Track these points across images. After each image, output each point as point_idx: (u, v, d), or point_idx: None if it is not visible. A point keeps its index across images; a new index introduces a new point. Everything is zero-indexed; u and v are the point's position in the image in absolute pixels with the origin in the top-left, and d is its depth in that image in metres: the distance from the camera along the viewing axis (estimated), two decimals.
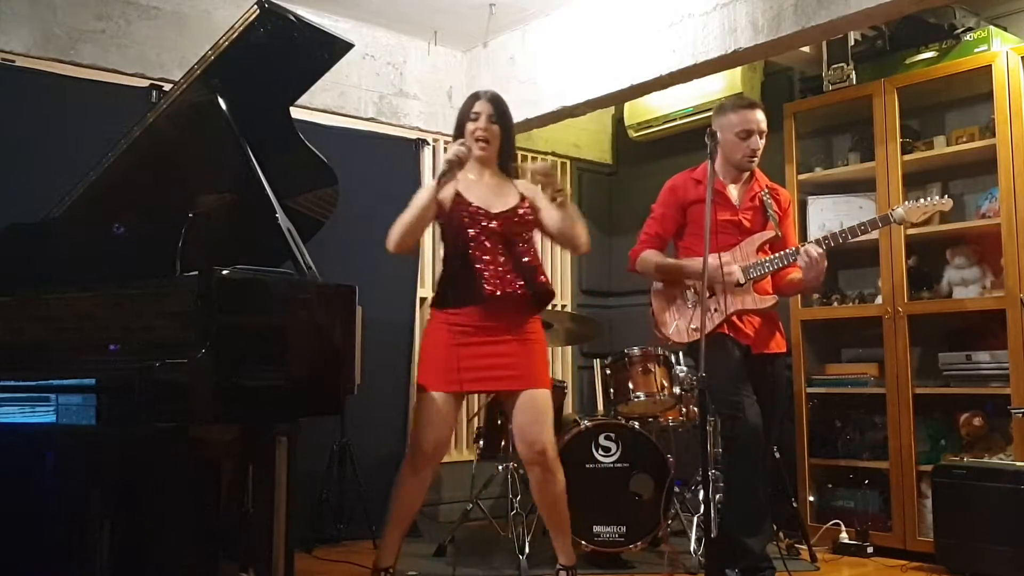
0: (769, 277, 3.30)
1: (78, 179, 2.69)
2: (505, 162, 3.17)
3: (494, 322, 3.00)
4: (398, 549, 3.10)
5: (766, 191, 3.35)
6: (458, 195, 3.04)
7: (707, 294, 3.18)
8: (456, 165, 2.96)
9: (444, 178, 2.95)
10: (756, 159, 3.29)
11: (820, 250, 3.13)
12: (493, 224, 3.02)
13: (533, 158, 5.34)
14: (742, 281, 3.24)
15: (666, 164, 4.91)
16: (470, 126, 3.07)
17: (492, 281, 2.96)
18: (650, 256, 3.39)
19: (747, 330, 3.26)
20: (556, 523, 3.13)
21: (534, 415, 3.03)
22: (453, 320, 3.02)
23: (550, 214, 3.06)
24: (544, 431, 3.04)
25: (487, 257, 2.99)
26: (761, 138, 3.27)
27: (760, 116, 3.27)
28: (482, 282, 2.96)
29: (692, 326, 3.26)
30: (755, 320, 3.28)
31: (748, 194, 3.34)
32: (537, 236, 3.22)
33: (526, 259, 3.05)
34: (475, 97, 3.12)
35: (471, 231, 3.01)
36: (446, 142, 4.98)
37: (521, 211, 3.08)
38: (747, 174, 3.35)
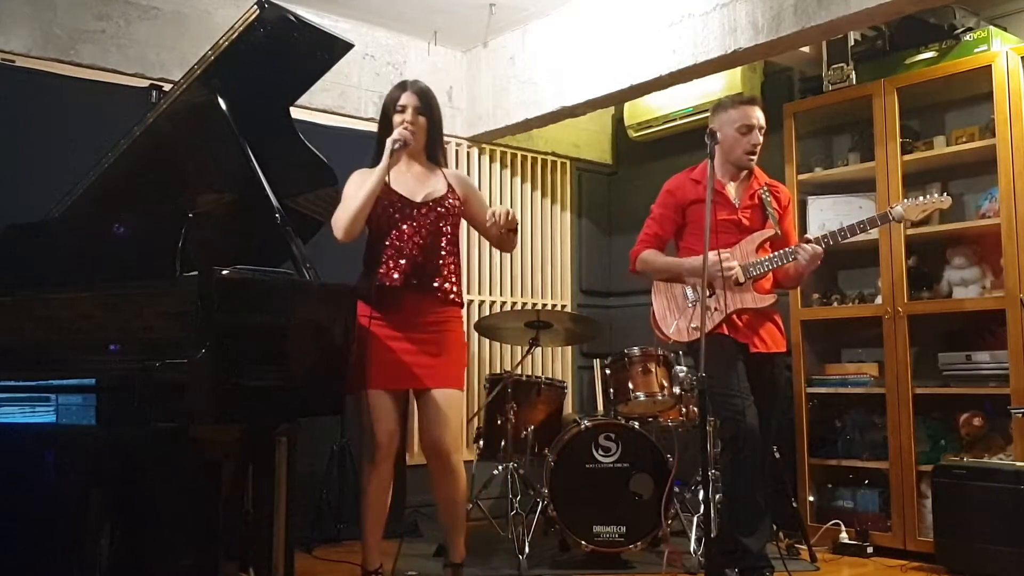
0: (769, 275, 3.30)
1: (78, 179, 2.69)
2: (433, 152, 3.12)
3: (409, 314, 2.96)
4: (379, 548, 3.06)
5: (765, 189, 3.35)
6: (384, 184, 2.99)
7: (707, 293, 3.18)
8: (403, 147, 2.93)
9: (391, 159, 2.91)
10: (755, 155, 3.29)
11: (820, 249, 3.16)
12: (415, 213, 2.99)
13: (533, 159, 5.35)
14: (742, 279, 3.24)
15: (666, 164, 4.91)
16: (396, 118, 3.01)
17: (392, 270, 2.93)
18: (650, 256, 3.39)
19: (746, 329, 3.26)
20: (451, 517, 3.10)
21: (438, 414, 2.99)
22: (374, 312, 2.96)
23: (495, 232, 3.01)
24: (447, 432, 3.01)
25: (399, 247, 2.95)
26: (761, 134, 3.27)
27: (760, 112, 3.27)
28: (389, 272, 2.93)
29: (692, 325, 3.26)
30: (755, 319, 3.28)
31: (747, 192, 3.34)
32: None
33: (442, 254, 3.02)
34: (401, 88, 3.05)
35: (392, 219, 2.97)
36: (445, 142, 4.98)
37: (447, 202, 3.04)
38: (745, 172, 3.35)
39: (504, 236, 3.03)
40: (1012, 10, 3.98)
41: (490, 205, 3.13)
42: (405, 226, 2.97)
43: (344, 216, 2.91)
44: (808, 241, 3.21)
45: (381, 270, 2.95)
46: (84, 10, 3.83)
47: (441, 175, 3.11)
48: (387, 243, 2.96)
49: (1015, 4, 3.98)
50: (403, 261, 2.95)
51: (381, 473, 3.00)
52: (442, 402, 3.00)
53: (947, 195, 3.25)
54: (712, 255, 3.09)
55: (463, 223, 3.19)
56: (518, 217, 5.14)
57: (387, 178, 2.95)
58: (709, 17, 3.86)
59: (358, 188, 2.94)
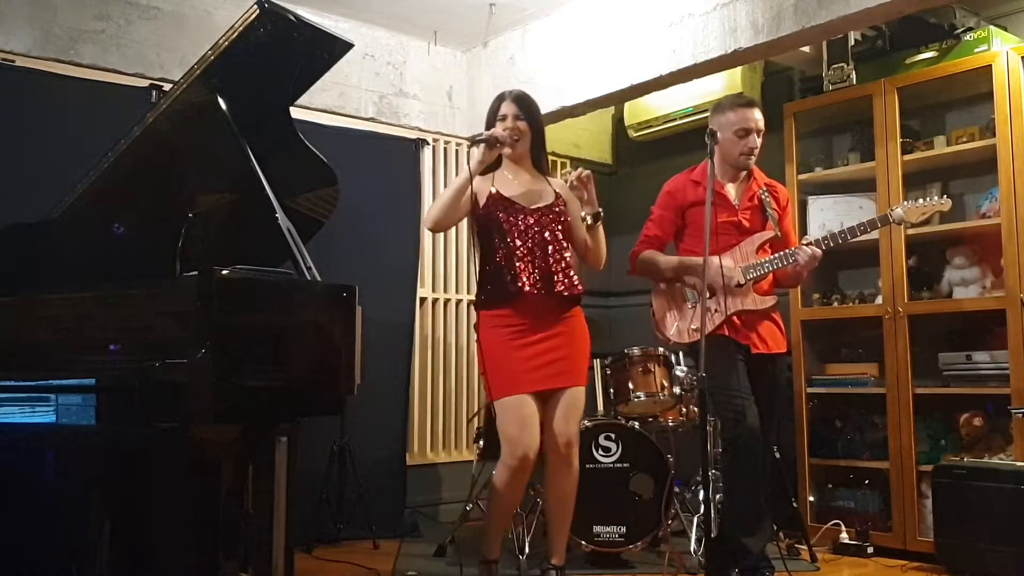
0: (770, 277, 3.30)
1: (78, 179, 2.69)
2: (538, 159, 3.19)
3: (537, 319, 3.01)
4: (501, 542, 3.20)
5: (764, 189, 3.35)
6: (498, 193, 3.06)
7: (707, 294, 3.18)
8: (494, 143, 2.99)
9: (484, 153, 2.97)
10: (754, 157, 3.29)
11: (819, 250, 3.15)
12: (531, 220, 3.05)
13: None
14: (742, 282, 3.24)
15: (666, 164, 4.91)
16: (499, 125, 3.08)
17: (529, 278, 2.99)
18: (649, 255, 3.39)
19: (747, 331, 3.26)
20: (562, 518, 3.14)
21: (567, 411, 3.04)
22: (501, 320, 3.02)
23: (577, 223, 3.14)
24: (575, 428, 3.08)
25: (524, 253, 3.02)
26: (759, 136, 3.27)
27: (758, 115, 3.27)
28: (520, 279, 2.98)
29: (692, 327, 3.26)
30: (755, 320, 3.28)
31: (747, 194, 3.34)
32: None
33: (561, 257, 3.07)
34: (500, 99, 3.13)
35: (508, 227, 3.03)
36: (446, 142, 5.00)
37: (557, 208, 3.11)
38: (745, 173, 3.35)
39: (591, 237, 3.13)
40: (1012, 10, 3.99)
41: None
42: (524, 233, 3.03)
43: (434, 208, 3.05)
44: (809, 244, 3.20)
45: (513, 279, 2.99)
46: (84, 10, 3.83)
47: (547, 183, 3.18)
48: (509, 251, 3.01)
49: (1015, 4, 3.98)
50: (530, 267, 3.00)
51: (522, 481, 3.03)
52: (575, 399, 3.06)
53: (947, 197, 3.25)
54: (714, 261, 3.10)
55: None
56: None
57: (496, 188, 3.05)
58: (709, 17, 3.86)
59: (451, 183, 3.03)
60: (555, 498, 3.14)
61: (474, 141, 3.01)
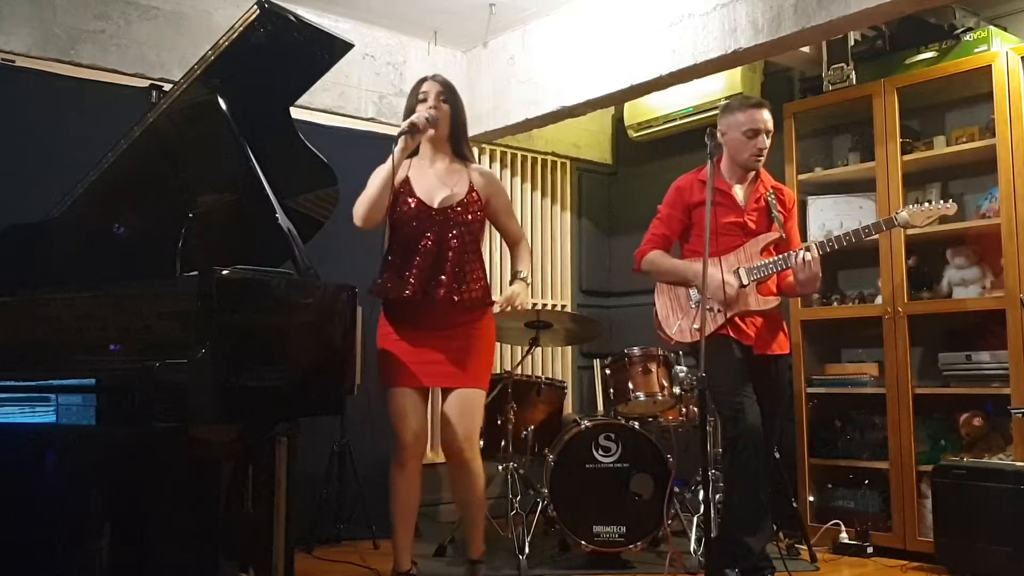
0: (774, 278, 3.30)
1: (78, 179, 2.68)
2: (458, 145, 3.11)
3: (430, 317, 2.98)
4: (412, 548, 3.11)
5: (771, 192, 3.35)
6: (406, 181, 3.01)
7: (709, 295, 3.18)
8: (415, 131, 2.93)
9: (404, 144, 2.92)
10: (762, 158, 3.29)
11: (812, 255, 3.13)
12: (437, 219, 2.99)
13: (534, 159, 5.34)
14: (745, 283, 3.24)
15: (666, 164, 4.92)
16: (420, 107, 3.02)
17: (418, 284, 2.94)
18: (656, 257, 3.38)
19: (749, 331, 3.26)
20: (470, 517, 3.13)
21: (459, 413, 3.00)
22: (395, 311, 3.01)
23: (513, 233, 3.23)
24: (467, 429, 3.01)
25: (419, 255, 2.95)
26: (768, 137, 3.27)
27: (767, 116, 3.27)
28: (408, 282, 2.94)
29: (695, 326, 3.25)
30: (758, 321, 3.28)
31: (753, 195, 3.33)
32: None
33: (460, 260, 3.00)
34: (422, 80, 3.08)
35: (410, 226, 2.98)
36: None
37: (466, 202, 3.03)
38: (752, 175, 3.35)
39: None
40: (1012, 10, 3.98)
41: None
42: (425, 233, 2.98)
43: (362, 203, 2.97)
44: (807, 248, 3.18)
45: (407, 278, 2.95)
46: (84, 10, 3.83)
47: (465, 174, 3.09)
48: (406, 250, 2.98)
49: (1015, 4, 3.98)
50: (421, 271, 2.95)
51: (408, 473, 3.01)
52: (466, 401, 3.02)
53: (952, 201, 3.24)
54: (715, 273, 3.09)
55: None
56: (518, 216, 5.16)
57: (409, 176, 2.99)
58: (709, 17, 3.86)
59: (377, 175, 2.98)
60: (458, 500, 3.15)
61: (399, 135, 2.93)
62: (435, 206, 3.00)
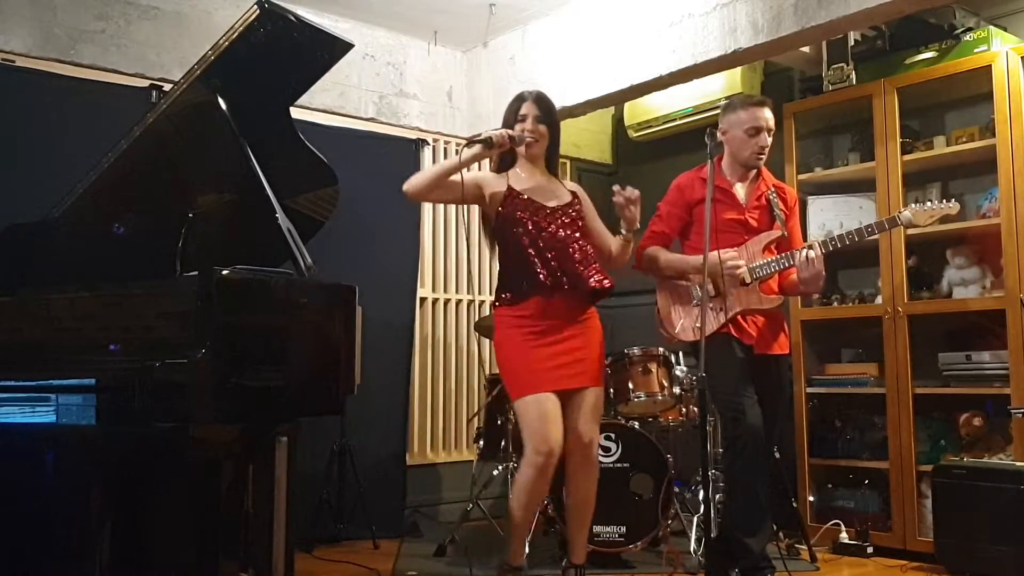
0: (775, 276, 3.30)
1: (78, 179, 2.69)
2: (552, 162, 3.20)
3: (554, 318, 2.99)
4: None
5: (772, 190, 3.34)
6: (511, 189, 3.05)
7: (712, 293, 3.18)
8: (490, 145, 2.95)
9: (475, 146, 2.94)
10: (764, 156, 3.28)
11: (815, 253, 3.13)
12: (548, 217, 3.04)
13: None
14: (748, 280, 3.23)
15: (666, 164, 4.92)
16: (517, 127, 3.07)
17: (547, 274, 2.97)
18: (654, 252, 3.38)
19: (751, 330, 3.26)
20: (583, 519, 3.14)
21: (590, 412, 3.03)
22: (518, 319, 3.00)
23: (609, 238, 3.17)
24: (597, 427, 3.09)
25: (542, 249, 2.99)
26: (769, 136, 3.27)
27: (768, 114, 3.27)
28: (538, 275, 2.96)
29: (698, 324, 3.25)
30: (759, 320, 3.28)
31: (755, 193, 3.33)
32: None
33: (580, 253, 3.05)
34: (520, 99, 3.12)
35: (526, 223, 3.01)
36: (446, 142, 5.00)
37: (573, 210, 3.11)
38: (754, 173, 3.35)
39: (621, 248, 3.13)
40: (1012, 10, 3.98)
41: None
42: (541, 229, 3.01)
43: (418, 178, 2.99)
44: (810, 246, 3.18)
45: (529, 276, 2.97)
46: (84, 10, 3.83)
47: (561, 184, 3.20)
48: (526, 248, 2.99)
49: (1015, 4, 3.98)
50: (548, 264, 2.98)
51: (547, 479, 2.98)
52: (596, 399, 3.05)
53: (954, 200, 3.24)
54: (713, 255, 3.09)
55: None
56: None
57: (511, 185, 3.04)
58: (709, 17, 3.86)
59: (447, 161, 3.04)
60: (578, 499, 3.12)
61: (470, 142, 2.97)
62: (551, 205, 3.07)
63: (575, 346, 3.01)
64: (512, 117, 3.09)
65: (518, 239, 3.01)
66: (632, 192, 3.02)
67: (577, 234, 3.09)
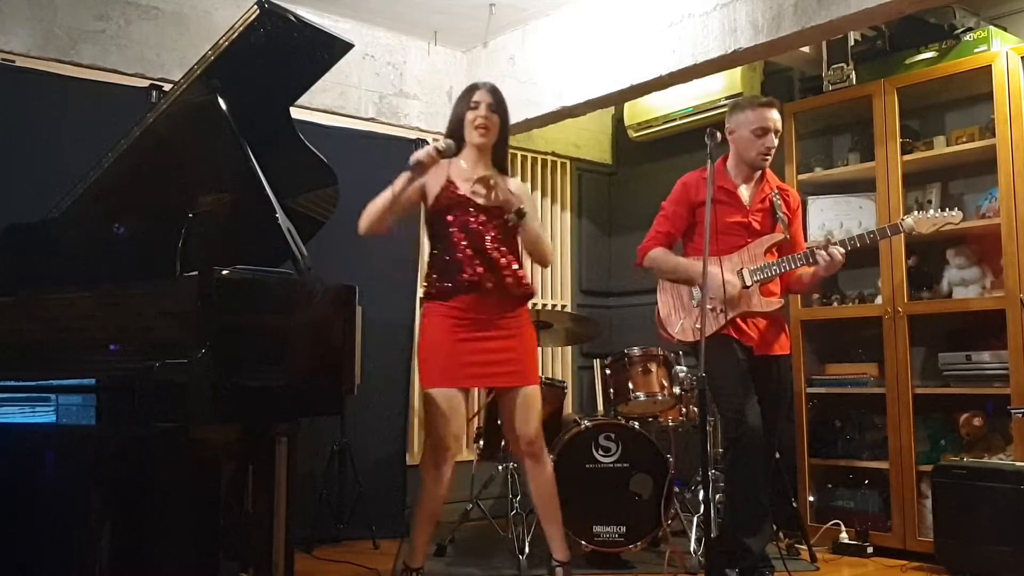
0: (777, 279, 3.30)
1: (78, 179, 2.68)
2: (500, 156, 3.18)
3: (483, 314, 3.00)
4: (427, 548, 3.16)
5: (776, 192, 3.35)
6: (449, 182, 3.04)
7: (709, 295, 3.18)
8: (419, 169, 2.91)
9: (413, 173, 2.92)
10: (770, 157, 3.28)
11: (842, 251, 3.14)
12: (482, 216, 3.03)
13: (533, 159, 5.35)
14: (748, 283, 3.24)
15: (666, 164, 4.92)
16: (470, 115, 3.07)
17: (471, 270, 2.98)
18: (659, 254, 3.38)
19: (751, 332, 3.26)
20: (551, 515, 3.15)
21: (525, 412, 3.06)
22: (447, 312, 3.02)
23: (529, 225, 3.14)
24: (535, 425, 3.08)
25: (472, 248, 3.00)
26: (776, 137, 3.27)
27: (776, 115, 3.27)
28: (465, 271, 2.98)
29: (697, 325, 3.25)
30: (759, 322, 3.28)
31: (759, 195, 3.33)
32: None
33: (508, 253, 3.05)
34: (474, 87, 3.12)
35: (458, 221, 3.01)
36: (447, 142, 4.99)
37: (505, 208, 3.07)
38: (759, 174, 3.35)
39: (525, 239, 3.10)
40: (1012, 10, 3.98)
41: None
42: (473, 227, 3.02)
43: (365, 214, 3.00)
44: (833, 244, 3.18)
45: (459, 273, 2.98)
46: (84, 10, 3.83)
47: (504, 180, 3.15)
48: (459, 245, 3.00)
49: (1015, 4, 3.98)
50: (479, 261, 2.99)
51: (443, 474, 3.03)
52: (529, 399, 3.06)
53: (956, 209, 3.24)
54: (715, 271, 3.09)
55: None
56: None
57: (450, 176, 3.03)
58: (709, 17, 3.86)
59: (390, 188, 2.98)
60: (539, 496, 3.15)
61: (409, 166, 2.92)
62: (483, 203, 3.05)
63: (501, 346, 3.02)
64: (465, 105, 3.08)
65: (449, 234, 3.02)
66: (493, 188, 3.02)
67: (508, 232, 3.08)
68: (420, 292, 4.47)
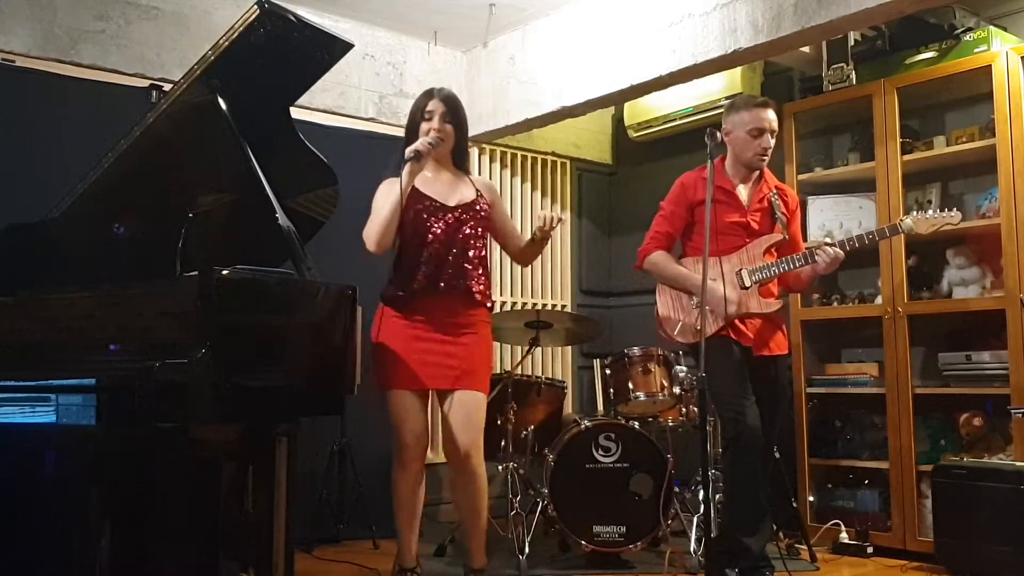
0: (775, 279, 3.30)
1: (78, 179, 2.69)
2: (460, 159, 3.16)
3: (436, 318, 2.99)
4: (416, 547, 3.11)
5: (775, 192, 3.35)
6: (414, 189, 3.02)
7: (709, 308, 3.18)
8: (419, 158, 2.93)
9: (412, 169, 2.92)
10: (767, 158, 3.28)
11: (842, 252, 3.16)
12: (448, 218, 3.02)
13: (533, 159, 5.34)
14: (747, 284, 3.24)
15: (666, 164, 4.92)
16: (424, 125, 3.05)
17: (429, 277, 2.97)
18: (659, 259, 3.37)
19: (749, 332, 3.26)
20: (472, 524, 3.11)
21: (462, 418, 2.99)
22: (400, 315, 3.01)
23: (516, 238, 3.18)
24: (472, 434, 3.01)
25: (433, 252, 2.98)
26: (772, 137, 3.27)
27: (772, 115, 3.27)
28: (417, 277, 2.97)
29: (697, 326, 3.25)
30: (757, 322, 3.28)
31: (757, 195, 3.33)
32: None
33: (473, 257, 3.04)
34: (428, 95, 3.08)
35: (421, 224, 3.00)
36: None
37: (477, 207, 3.08)
38: (756, 174, 3.35)
39: (530, 249, 3.11)
40: (1012, 10, 3.98)
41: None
42: (438, 230, 3.00)
43: (374, 228, 2.97)
44: (832, 245, 3.19)
45: (417, 274, 2.98)
46: (84, 10, 3.83)
47: (469, 182, 3.15)
48: (420, 247, 2.99)
49: (1015, 4, 3.98)
50: (435, 264, 2.98)
51: (410, 474, 3.02)
52: (466, 404, 3.00)
53: (956, 210, 3.25)
54: (716, 288, 3.09)
55: None
56: (518, 216, 5.16)
57: (415, 185, 3.00)
58: (709, 17, 3.86)
59: (385, 198, 2.97)
60: (460, 506, 3.12)
61: (405, 160, 2.93)
62: (451, 204, 3.04)
63: (451, 351, 2.99)
64: (419, 114, 3.06)
65: (412, 238, 3.01)
66: (555, 217, 2.98)
67: (478, 232, 3.06)
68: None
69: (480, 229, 3.08)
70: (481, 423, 3.05)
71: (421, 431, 3.02)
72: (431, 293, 2.97)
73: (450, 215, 3.02)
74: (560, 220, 3.02)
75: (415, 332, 2.99)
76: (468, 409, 3.00)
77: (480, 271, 3.06)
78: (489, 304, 3.12)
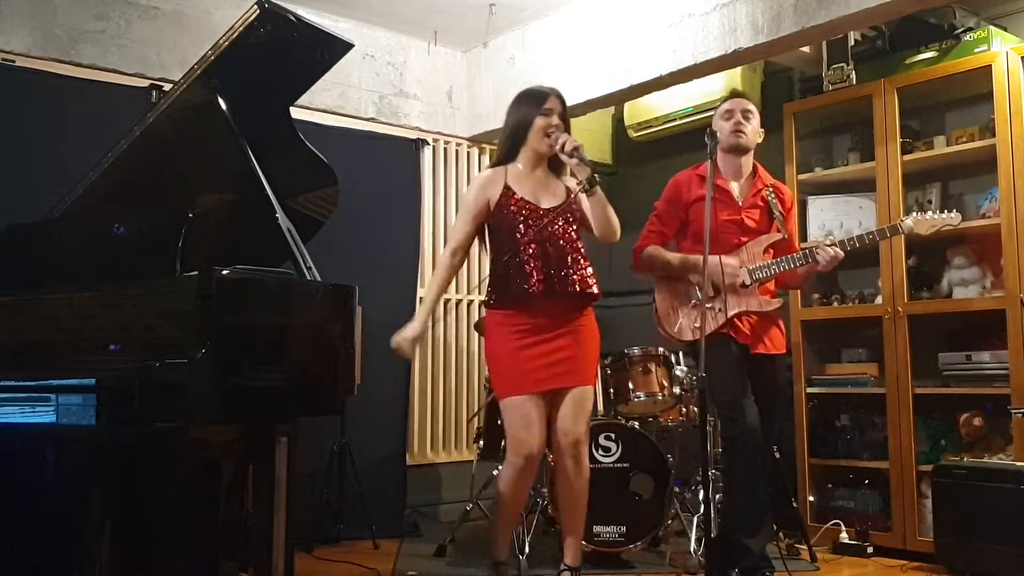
0: (774, 278, 3.30)
1: (78, 179, 2.69)
2: (557, 161, 3.13)
3: (544, 319, 2.99)
4: (509, 545, 3.26)
5: (770, 189, 3.34)
6: (507, 188, 3.03)
7: (711, 294, 3.18)
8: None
9: (573, 160, 2.92)
10: (743, 134, 3.28)
11: (841, 252, 3.17)
12: (544, 219, 3.02)
13: None
14: (747, 282, 3.23)
15: (666, 164, 4.91)
16: (540, 121, 3.01)
17: (538, 279, 2.96)
18: (653, 251, 3.38)
19: (747, 330, 3.26)
20: (574, 519, 3.14)
21: (574, 411, 3.03)
22: (508, 320, 3.01)
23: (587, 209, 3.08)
24: (585, 426, 3.08)
25: (535, 253, 2.98)
26: (745, 117, 3.27)
27: (742, 100, 3.34)
28: (529, 279, 2.96)
29: (696, 325, 3.25)
30: (755, 320, 3.27)
31: (751, 191, 3.33)
32: None
33: (575, 256, 3.04)
34: (543, 93, 3.06)
35: (520, 226, 3.00)
36: (446, 142, 4.99)
37: (572, 206, 3.08)
38: (749, 170, 3.35)
39: (595, 212, 3.01)
40: (1012, 10, 3.98)
41: None
42: (536, 231, 3.00)
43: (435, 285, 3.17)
44: (832, 244, 3.19)
45: (523, 279, 2.97)
46: (84, 10, 3.83)
47: (560, 182, 3.15)
48: (519, 251, 2.99)
49: (1015, 4, 3.98)
50: (540, 267, 2.97)
51: (529, 477, 3.07)
52: (580, 399, 3.04)
53: (955, 211, 3.25)
54: (714, 259, 3.09)
55: None
56: None
57: (508, 184, 3.04)
58: (709, 17, 3.86)
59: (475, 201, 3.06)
60: (567, 499, 3.14)
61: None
62: (545, 206, 3.05)
63: (562, 345, 3.00)
64: (535, 110, 3.02)
65: (510, 242, 3.01)
66: (570, 140, 2.94)
67: (573, 233, 3.07)
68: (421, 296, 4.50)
69: (575, 226, 3.09)
70: (589, 416, 3.12)
71: (544, 436, 3.02)
72: (544, 296, 2.97)
73: (546, 217, 3.02)
74: (574, 145, 2.93)
75: (529, 336, 2.99)
76: (582, 402, 3.05)
77: (583, 263, 3.06)
78: (597, 292, 3.09)
